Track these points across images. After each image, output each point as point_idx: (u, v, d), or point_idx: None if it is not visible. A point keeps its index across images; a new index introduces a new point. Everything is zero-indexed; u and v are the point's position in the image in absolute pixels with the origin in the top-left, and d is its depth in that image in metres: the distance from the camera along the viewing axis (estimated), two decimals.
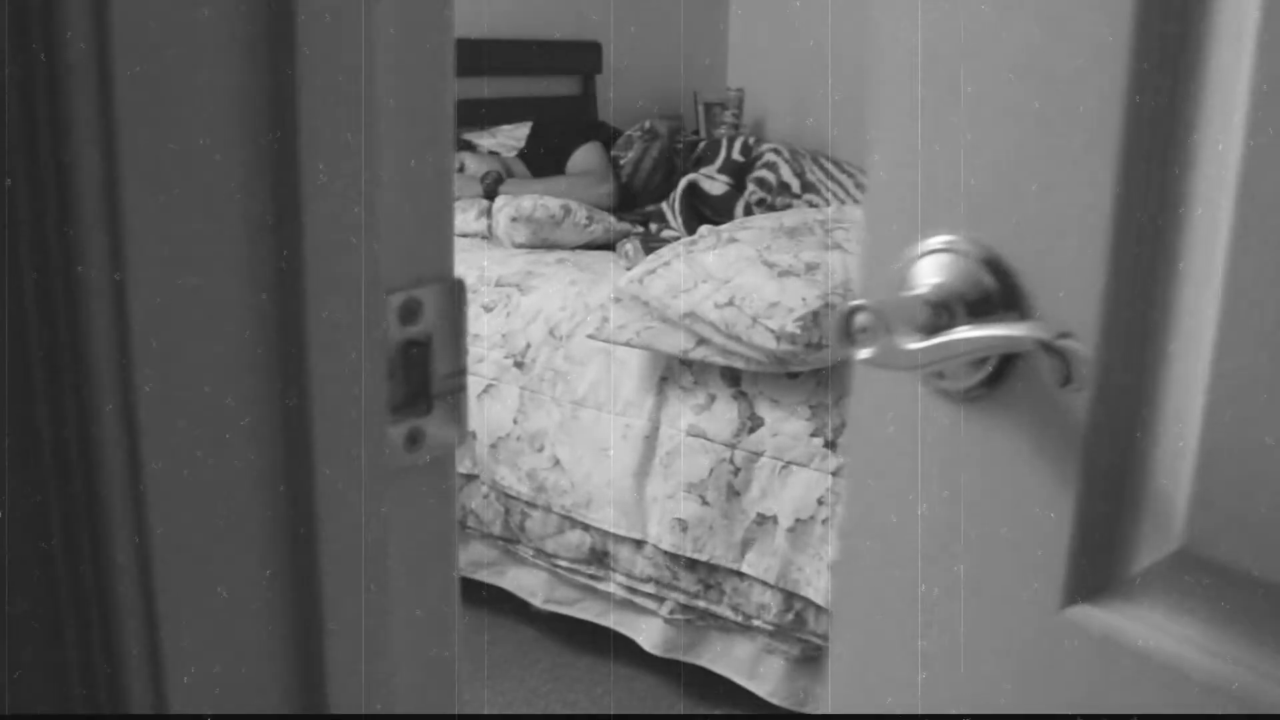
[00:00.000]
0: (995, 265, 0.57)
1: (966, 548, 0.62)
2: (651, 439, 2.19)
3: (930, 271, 0.59)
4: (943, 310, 0.58)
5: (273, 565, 0.47)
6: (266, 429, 0.46)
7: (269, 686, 0.47)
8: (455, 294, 0.52)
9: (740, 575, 2.14)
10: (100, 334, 0.40)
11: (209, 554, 0.45)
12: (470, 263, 2.58)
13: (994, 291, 0.57)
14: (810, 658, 2.14)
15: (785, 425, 2.06)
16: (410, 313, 0.50)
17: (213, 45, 0.42)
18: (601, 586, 2.34)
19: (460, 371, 0.53)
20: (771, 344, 1.92)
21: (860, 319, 0.58)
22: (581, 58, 4.00)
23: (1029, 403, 0.58)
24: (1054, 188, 0.56)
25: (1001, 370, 0.58)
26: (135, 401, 0.41)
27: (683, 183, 3.14)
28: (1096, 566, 0.58)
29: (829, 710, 0.69)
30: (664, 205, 3.13)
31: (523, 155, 3.37)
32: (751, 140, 3.42)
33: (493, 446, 2.39)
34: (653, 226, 3.02)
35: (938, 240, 0.59)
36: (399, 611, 0.53)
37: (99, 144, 0.39)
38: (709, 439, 2.13)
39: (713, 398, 2.13)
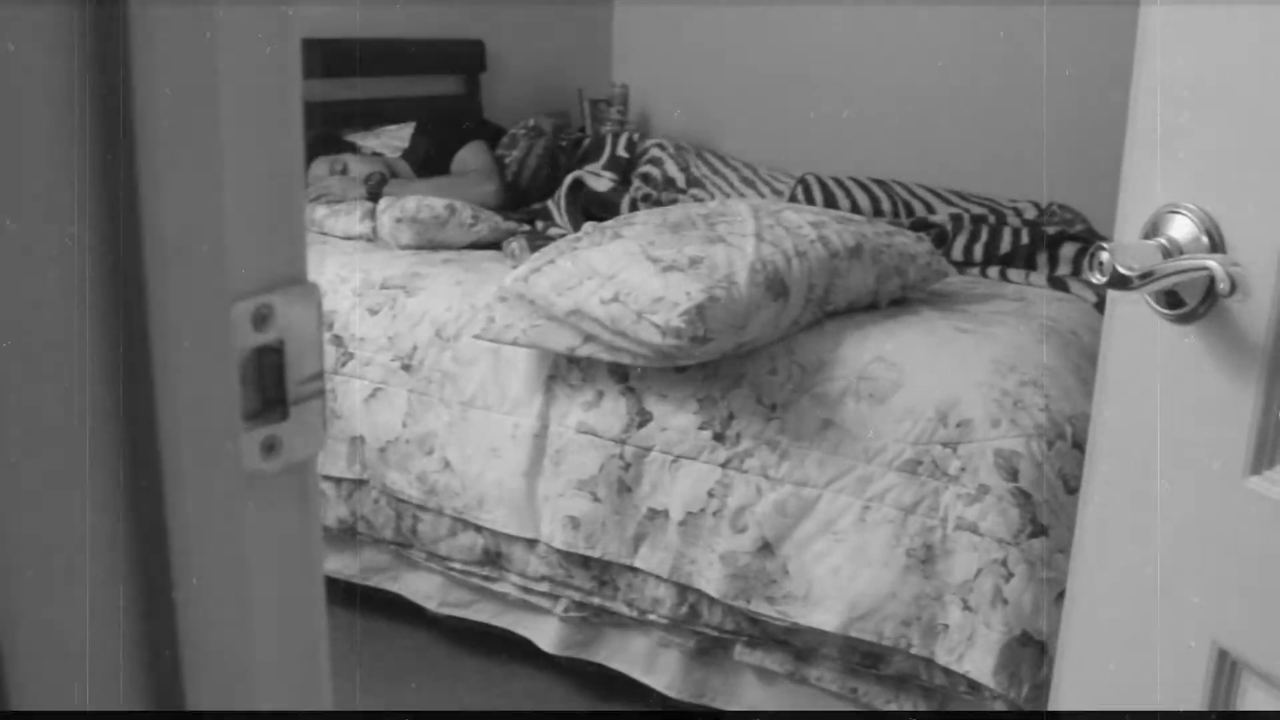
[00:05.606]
0: (1210, 223, 0.81)
1: (1176, 431, 0.86)
2: (541, 437, 2.19)
3: (1163, 226, 0.84)
4: (1167, 254, 0.83)
5: (125, 578, 0.46)
6: (114, 441, 0.45)
7: (124, 699, 0.46)
8: (309, 297, 0.51)
9: (634, 571, 2.15)
10: None
11: (56, 565, 0.44)
12: (355, 265, 2.55)
13: (1206, 242, 0.81)
14: (705, 650, 2.15)
15: (674, 419, 2.07)
16: (262, 318, 0.49)
17: (46, 48, 0.41)
18: (496, 587, 2.33)
19: (318, 376, 0.52)
20: (657, 339, 1.92)
21: (1102, 256, 0.83)
22: (465, 56, 3.96)
23: (1227, 322, 0.81)
24: (1249, 168, 0.79)
25: (1207, 300, 0.82)
26: None
27: (568, 180, 3.14)
28: (1273, 445, 0.80)
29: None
30: (550, 203, 3.13)
31: (406, 156, 3.33)
32: (636, 136, 3.43)
33: (382, 450, 2.37)
34: (539, 224, 3.02)
35: (1171, 204, 0.84)
36: (262, 622, 0.52)
37: None
38: (598, 435, 2.13)
39: (601, 394, 2.14)
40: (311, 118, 0.62)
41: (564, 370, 2.18)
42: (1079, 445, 1.87)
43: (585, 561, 2.19)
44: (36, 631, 0.43)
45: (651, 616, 2.16)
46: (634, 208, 3.08)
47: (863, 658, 1.99)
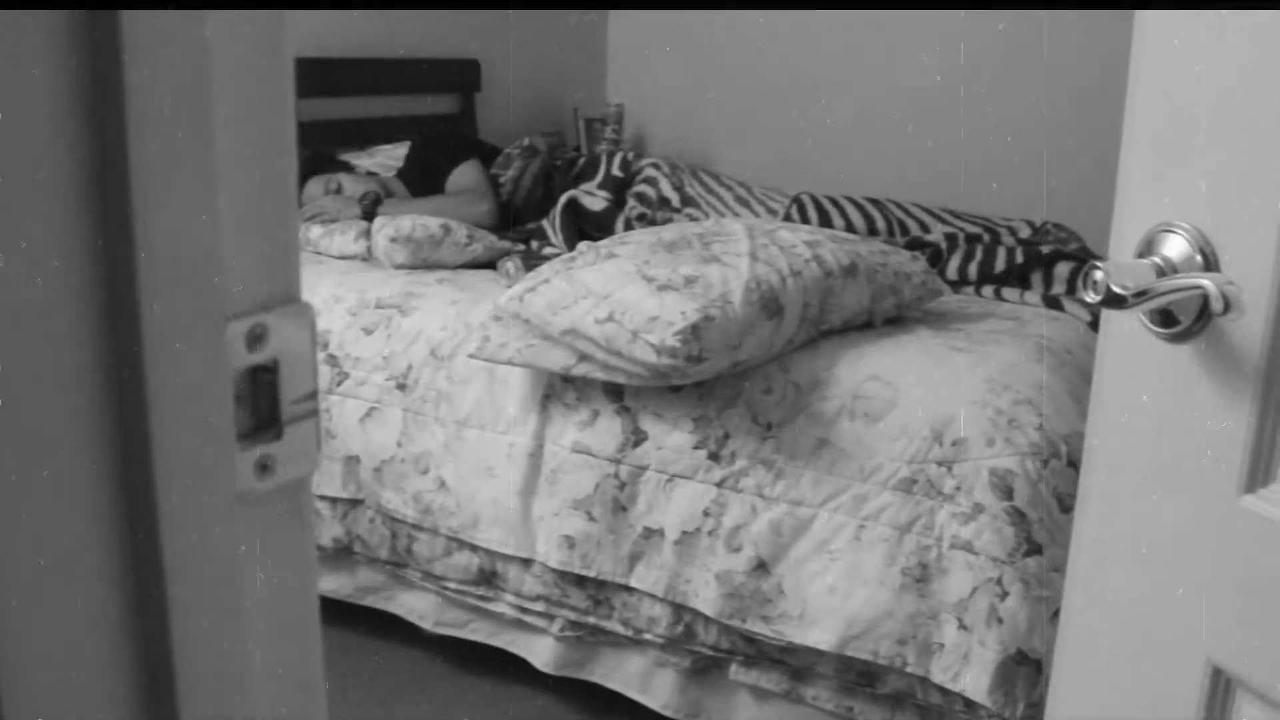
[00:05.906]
0: (1203, 242, 0.82)
1: (1171, 449, 0.87)
2: (536, 457, 2.19)
3: (1158, 245, 0.85)
4: (1162, 273, 0.83)
5: (118, 598, 0.45)
6: (108, 461, 0.44)
7: (117, 718, 0.46)
8: (303, 317, 0.51)
9: (629, 590, 2.15)
10: None
11: (49, 584, 0.43)
12: (349, 285, 2.55)
13: (1200, 261, 0.82)
14: (701, 669, 2.15)
15: (669, 439, 2.07)
16: (256, 338, 0.49)
17: (37, 65, 0.41)
18: (492, 607, 2.33)
19: (311, 396, 0.52)
20: (652, 358, 1.92)
21: (1096, 275, 0.82)
22: (460, 75, 3.97)
23: (1221, 341, 0.82)
24: (1243, 187, 0.80)
25: (1201, 318, 0.82)
26: None
27: (563, 199, 3.14)
28: (1267, 463, 0.81)
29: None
30: (545, 222, 3.13)
31: (401, 175, 3.33)
32: (631, 155, 3.43)
33: (377, 470, 2.37)
34: (534, 244, 3.02)
35: (1165, 222, 0.84)
36: (258, 643, 0.52)
37: None
38: (594, 455, 2.13)
39: (596, 413, 2.13)
40: (306, 137, 0.63)
41: (559, 390, 2.18)
42: (1074, 464, 1.87)
43: (580, 581, 2.18)
44: (29, 650, 0.43)
45: (647, 636, 2.15)
46: (629, 227, 3.09)
47: (858, 676, 1.99)
